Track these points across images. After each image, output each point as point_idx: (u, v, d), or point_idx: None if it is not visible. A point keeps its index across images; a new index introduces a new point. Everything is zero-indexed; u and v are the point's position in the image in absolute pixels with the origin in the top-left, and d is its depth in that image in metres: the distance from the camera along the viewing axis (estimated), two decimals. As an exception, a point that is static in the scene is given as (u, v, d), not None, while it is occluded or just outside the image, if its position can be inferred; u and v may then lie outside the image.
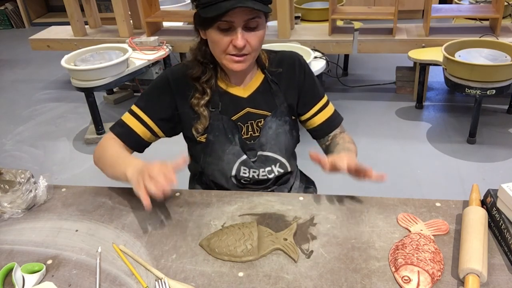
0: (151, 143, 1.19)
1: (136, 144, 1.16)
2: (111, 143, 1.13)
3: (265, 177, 1.21)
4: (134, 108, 1.15)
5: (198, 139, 1.16)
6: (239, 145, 1.16)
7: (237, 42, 0.99)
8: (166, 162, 0.94)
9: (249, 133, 1.17)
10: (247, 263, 0.91)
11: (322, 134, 1.23)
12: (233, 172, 1.19)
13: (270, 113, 1.16)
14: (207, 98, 1.12)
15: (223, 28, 0.99)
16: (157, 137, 1.18)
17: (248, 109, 1.16)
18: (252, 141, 1.18)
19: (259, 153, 1.18)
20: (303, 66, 1.19)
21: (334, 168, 1.00)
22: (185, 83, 1.14)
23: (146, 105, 1.15)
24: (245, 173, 1.19)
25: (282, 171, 1.23)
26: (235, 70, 1.06)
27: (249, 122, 1.16)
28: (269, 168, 1.20)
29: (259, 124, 1.17)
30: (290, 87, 1.17)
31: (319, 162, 1.01)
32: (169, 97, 1.14)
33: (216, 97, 1.13)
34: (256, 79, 1.16)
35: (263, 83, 1.16)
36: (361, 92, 3.34)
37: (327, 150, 1.24)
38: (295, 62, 1.18)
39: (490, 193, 0.98)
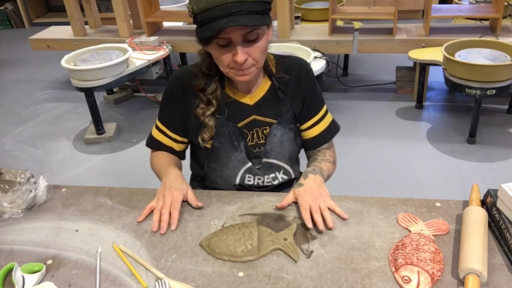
0: (185, 150, 1.27)
1: (177, 155, 1.25)
2: (158, 154, 1.24)
3: (269, 183, 1.21)
4: (158, 123, 1.21)
5: (203, 145, 1.16)
6: (244, 153, 1.16)
7: (237, 58, 0.97)
8: (184, 194, 1.08)
9: (254, 140, 1.17)
10: (247, 263, 0.91)
11: (311, 147, 1.24)
12: (237, 181, 1.19)
13: (275, 121, 1.15)
14: (212, 109, 1.12)
15: (222, 44, 0.97)
16: (186, 144, 1.24)
17: (254, 116, 1.15)
18: (257, 149, 1.17)
19: (264, 160, 1.18)
20: (310, 75, 1.18)
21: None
22: (190, 92, 1.14)
23: (166, 120, 1.20)
24: (250, 181, 1.19)
25: (286, 177, 1.23)
26: (242, 82, 1.06)
27: (254, 129, 1.16)
28: (273, 175, 1.20)
29: (265, 131, 1.16)
30: (296, 96, 1.16)
31: (288, 204, 1.07)
32: (178, 107, 1.16)
33: (222, 104, 1.12)
34: (262, 86, 1.15)
35: (270, 90, 1.15)
36: (361, 92, 3.34)
37: (308, 159, 1.25)
38: (302, 70, 1.17)
39: (490, 193, 0.98)
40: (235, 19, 0.91)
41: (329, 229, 0.97)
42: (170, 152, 1.23)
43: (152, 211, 1.06)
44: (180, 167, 1.23)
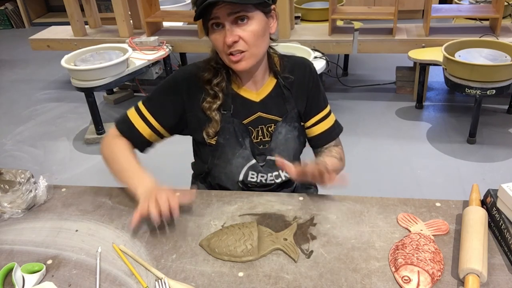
0: (155, 143, 1.19)
1: (140, 144, 1.17)
2: (118, 145, 1.14)
3: (272, 181, 1.21)
4: (141, 106, 1.15)
5: (208, 141, 1.15)
6: (249, 149, 1.16)
7: (225, 39, 0.98)
8: (174, 191, 0.99)
9: (259, 137, 1.17)
10: (247, 263, 0.91)
11: (317, 144, 1.24)
12: (241, 177, 1.18)
13: (280, 119, 1.16)
14: (219, 102, 1.11)
15: (216, 28, 1.00)
16: (162, 138, 1.19)
17: (259, 113, 1.15)
18: (262, 146, 1.17)
19: (268, 157, 1.18)
20: (313, 74, 1.19)
21: (302, 176, 1.02)
22: (196, 85, 1.13)
23: (154, 107, 1.14)
24: (253, 178, 1.19)
25: (288, 176, 1.23)
26: (238, 70, 1.06)
27: (259, 126, 1.16)
28: (276, 173, 1.20)
29: (270, 129, 1.16)
30: (300, 94, 1.17)
31: (284, 169, 1.04)
32: (178, 100, 1.13)
33: (228, 99, 1.12)
34: (268, 84, 1.16)
35: (276, 88, 1.16)
36: (361, 92, 3.34)
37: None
38: (306, 69, 1.18)
39: (490, 193, 0.98)
40: None
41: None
42: (136, 140, 1.15)
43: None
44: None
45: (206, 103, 1.12)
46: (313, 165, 1.00)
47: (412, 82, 3.17)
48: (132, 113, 1.16)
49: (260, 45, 1.04)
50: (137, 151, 1.18)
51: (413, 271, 0.85)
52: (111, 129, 1.18)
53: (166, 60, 3.06)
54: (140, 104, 1.16)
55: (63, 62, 2.63)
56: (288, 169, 1.03)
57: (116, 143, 1.15)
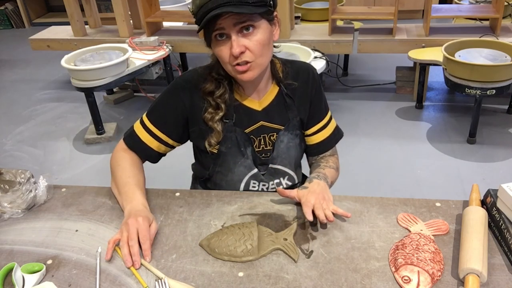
0: (166, 153, 1.20)
1: (150, 156, 1.17)
2: (124, 159, 1.14)
3: (274, 189, 1.20)
4: (146, 120, 1.15)
5: (209, 150, 1.14)
6: (251, 159, 1.15)
7: (232, 50, 0.96)
8: (149, 221, 0.98)
9: (261, 146, 1.16)
10: (247, 263, 0.91)
11: (315, 153, 1.23)
12: (242, 187, 1.18)
13: (283, 127, 1.14)
14: (221, 114, 1.09)
15: (220, 38, 0.98)
16: (172, 147, 1.18)
17: (262, 122, 1.14)
18: (263, 155, 1.16)
19: (270, 166, 1.17)
20: (316, 80, 1.17)
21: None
22: (197, 95, 1.11)
23: (157, 119, 1.14)
24: (255, 187, 1.18)
25: (290, 183, 1.22)
26: (245, 80, 1.03)
27: (262, 135, 1.14)
28: (277, 181, 1.20)
29: (272, 138, 1.15)
30: (303, 101, 1.16)
31: (288, 197, 1.05)
32: (181, 110, 1.12)
33: (230, 109, 1.11)
34: (271, 92, 1.14)
35: (278, 96, 1.14)
36: (361, 92, 3.34)
37: (310, 167, 1.25)
38: (309, 75, 1.16)
39: (490, 193, 0.98)
40: (223, 8, 0.92)
41: (330, 221, 0.96)
42: (144, 154, 1.16)
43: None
44: (144, 182, 1.14)
45: (208, 114, 1.10)
46: (309, 200, 0.99)
47: (412, 82, 3.17)
48: (137, 127, 1.16)
49: (265, 54, 1.02)
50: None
51: (413, 271, 0.85)
52: (120, 143, 1.18)
53: (166, 60, 3.06)
54: (144, 117, 1.16)
55: (63, 62, 2.63)
56: (292, 197, 1.05)
57: (122, 157, 1.15)
